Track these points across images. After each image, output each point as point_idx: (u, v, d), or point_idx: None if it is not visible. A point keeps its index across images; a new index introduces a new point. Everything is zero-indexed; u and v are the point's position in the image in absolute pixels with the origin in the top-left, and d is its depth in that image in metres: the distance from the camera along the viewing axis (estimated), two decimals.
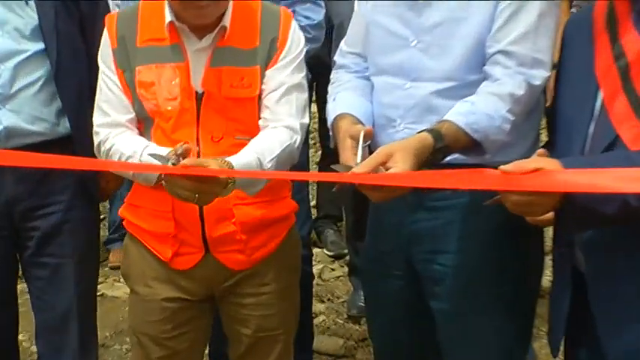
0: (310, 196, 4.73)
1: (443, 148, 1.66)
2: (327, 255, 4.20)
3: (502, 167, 1.40)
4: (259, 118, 1.92)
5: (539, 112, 1.88)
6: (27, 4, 2.04)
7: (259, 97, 1.91)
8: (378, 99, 1.88)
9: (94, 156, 1.91)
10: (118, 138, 1.89)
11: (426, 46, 1.78)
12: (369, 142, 1.67)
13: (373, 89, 1.91)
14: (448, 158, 1.70)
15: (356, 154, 1.63)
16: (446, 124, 1.67)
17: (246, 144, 1.86)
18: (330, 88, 1.98)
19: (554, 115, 1.72)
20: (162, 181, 1.69)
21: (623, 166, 1.35)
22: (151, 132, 1.91)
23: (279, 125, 1.89)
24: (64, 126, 2.13)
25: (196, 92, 1.87)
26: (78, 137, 2.12)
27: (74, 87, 2.14)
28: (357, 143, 1.65)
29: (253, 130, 1.92)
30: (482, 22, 1.72)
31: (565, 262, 1.61)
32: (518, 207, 1.45)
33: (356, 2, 1.98)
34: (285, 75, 1.91)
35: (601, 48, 1.59)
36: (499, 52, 1.72)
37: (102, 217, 3.84)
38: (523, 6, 1.70)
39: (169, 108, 1.87)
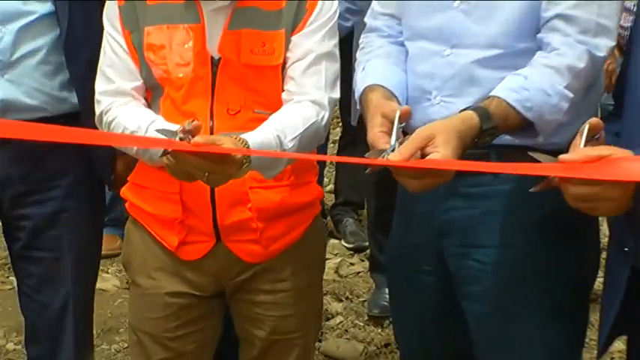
0: (326, 180, 4.83)
1: (490, 129, 1.67)
2: (346, 247, 4.28)
3: (561, 157, 1.40)
4: (282, 91, 1.94)
5: (599, 86, 1.89)
6: None
7: (283, 65, 1.93)
8: (412, 67, 1.90)
9: None
10: (122, 109, 1.93)
11: (470, 7, 1.79)
12: (404, 124, 1.68)
13: (408, 57, 1.93)
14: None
15: (387, 135, 1.65)
16: (494, 101, 1.69)
17: (266, 119, 1.88)
18: (358, 55, 2.00)
19: (621, 96, 1.73)
20: (165, 159, 1.70)
21: None
22: (160, 102, 1.95)
23: (305, 99, 1.92)
24: (70, 102, 2.15)
25: (212, 58, 1.90)
26: (86, 115, 2.11)
27: (85, 58, 2.14)
28: (390, 122, 1.66)
29: (275, 104, 1.93)
30: None
31: (624, 262, 1.62)
32: (580, 201, 1.44)
33: None
34: (313, 41, 1.93)
35: None
36: (557, 16, 1.72)
37: None
38: None
39: (181, 75, 1.90)
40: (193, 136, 1.64)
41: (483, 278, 1.85)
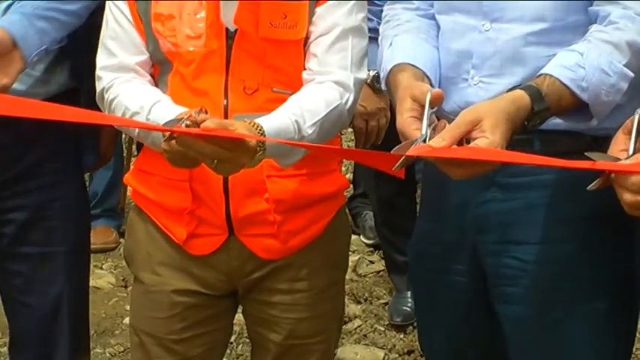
0: (344, 168, 4.86)
1: (542, 111, 1.68)
2: (365, 243, 4.37)
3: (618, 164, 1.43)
4: (304, 68, 1.98)
5: None
6: None
7: (306, 40, 1.96)
8: (446, 44, 1.92)
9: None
10: (124, 87, 1.97)
11: None
12: (435, 109, 1.70)
13: (440, 31, 1.95)
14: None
15: (419, 121, 1.66)
16: (547, 80, 1.70)
17: (286, 99, 1.91)
18: (382, 29, 2.03)
19: None
20: (164, 144, 1.73)
21: None
22: (168, 79, 1.98)
23: (328, 80, 1.94)
24: (57, 82, 2.18)
25: (227, 30, 1.93)
26: (85, 93, 2.15)
27: (81, 32, 2.16)
28: (422, 106, 1.67)
29: (296, 83, 1.97)
30: None
31: None
32: (635, 209, 1.46)
33: None
34: (340, 14, 1.95)
35: None
36: None
37: None
38: None
39: (191, 48, 1.93)
40: (198, 125, 1.68)
41: (523, 278, 1.87)
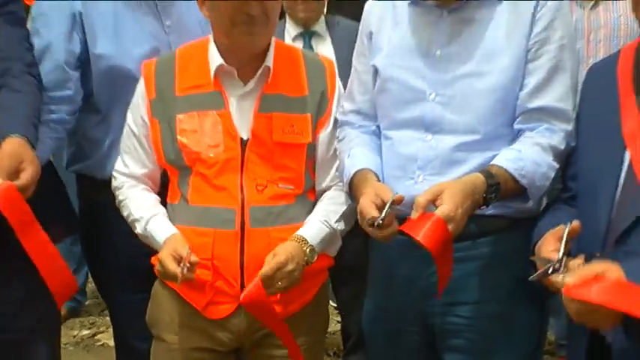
0: None
1: (495, 185, 1.87)
2: (333, 307, 4.29)
3: (567, 281, 1.54)
4: (305, 168, 2.21)
5: None
6: None
7: (307, 146, 2.20)
8: (396, 151, 2.09)
9: None
10: (131, 192, 2.24)
11: (446, 99, 2.01)
12: (396, 208, 1.86)
13: (389, 141, 2.13)
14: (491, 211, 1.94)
15: (376, 208, 1.87)
16: (494, 167, 1.90)
17: (289, 193, 2.17)
18: (339, 145, 2.23)
19: (574, 167, 1.98)
20: (159, 266, 2.08)
21: None
22: (190, 179, 2.17)
23: (337, 187, 2.24)
24: None
25: (241, 138, 2.15)
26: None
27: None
28: (381, 200, 1.88)
29: (298, 180, 2.20)
30: (510, 77, 1.98)
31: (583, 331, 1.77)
32: (580, 316, 1.57)
33: (354, 59, 2.28)
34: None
35: (628, 109, 1.81)
36: (542, 107, 1.98)
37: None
38: (559, 64, 1.98)
39: (212, 155, 2.12)
40: (192, 268, 2.01)
41: (464, 331, 2.06)
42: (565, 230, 1.71)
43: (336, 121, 2.27)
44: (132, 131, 2.25)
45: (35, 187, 2.04)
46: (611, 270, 1.53)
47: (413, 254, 1.94)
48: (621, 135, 1.81)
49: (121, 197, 2.26)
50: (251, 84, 2.16)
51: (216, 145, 2.14)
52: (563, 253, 1.67)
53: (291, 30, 3.41)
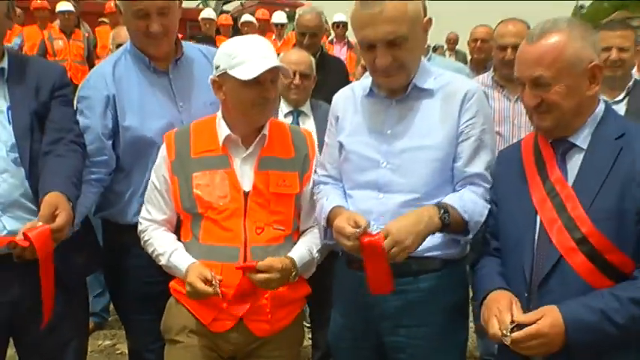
0: None
1: (444, 206, 1.93)
2: (307, 326, 4.33)
3: (515, 335, 1.70)
4: (294, 214, 2.27)
5: None
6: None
7: (296, 196, 2.26)
8: (356, 206, 2.12)
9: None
10: (154, 233, 2.27)
11: (394, 167, 2.07)
12: (362, 229, 1.92)
13: (351, 199, 2.17)
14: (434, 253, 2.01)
15: (349, 225, 1.93)
16: (442, 202, 1.97)
17: (280, 235, 2.21)
18: (317, 196, 2.27)
19: (493, 227, 2.05)
20: (188, 287, 2.10)
21: (615, 307, 1.67)
22: (202, 223, 2.21)
23: (313, 228, 2.31)
24: None
25: (244, 191, 2.19)
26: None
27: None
28: (354, 223, 1.93)
29: (287, 222, 2.24)
30: (444, 151, 2.06)
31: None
32: (529, 350, 1.72)
33: (325, 137, 2.34)
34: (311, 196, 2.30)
35: (534, 184, 1.91)
36: (474, 174, 2.07)
37: None
38: (481, 143, 2.08)
39: (221, 203, 2.17)
40: (218, 285, 2.07)
41: (408, 347, 2.12)
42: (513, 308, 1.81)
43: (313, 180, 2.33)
44: (155, 186, 2.30)
45: (68, 229, 2.08)
46: (550, 316, 1.71)
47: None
48: (532, 203, 1.89)
49: (146, 237, 2.29)
50: (251, 148, 2.22)
51: (225, 196, 2.18)
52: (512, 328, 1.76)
53: (284, 108, 3.52)
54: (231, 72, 2.16)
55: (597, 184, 1.80)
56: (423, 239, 1.92)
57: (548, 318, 1.71)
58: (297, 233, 2.35)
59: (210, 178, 2.19)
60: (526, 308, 1.82)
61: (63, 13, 8.50)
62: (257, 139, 2.22)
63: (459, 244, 2.10)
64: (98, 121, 2.45)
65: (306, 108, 3.53)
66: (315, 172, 2.33)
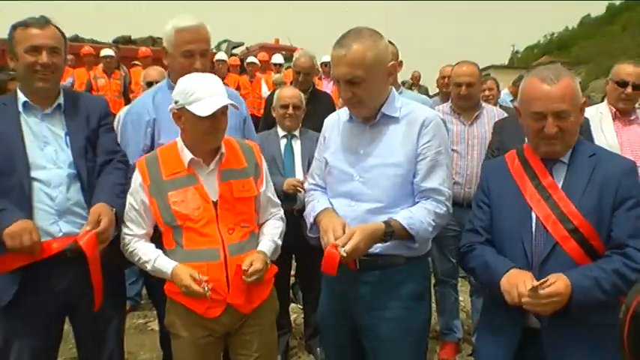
0: None
1: (391, 231, 1.94)
2: (300, 308, 4.29)
3: (541, 293, 1.71)
4: (256, 213, 2.26)
5: None
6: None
7: (255, 197, 2.24)
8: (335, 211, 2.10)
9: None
10: (136, 244, 2.19)
11: (365, 180, 2.06)
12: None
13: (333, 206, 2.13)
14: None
15: (337, 227, 1.94)
16: (393, 221, 1.97)
17: (247, 231, 2.19)
18: (309, 199, 2.25)
19: (485, 222, 2.02)
20: (183, 288, 2.07)
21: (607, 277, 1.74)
22: (183, 232, 2.14)
23: (276, 217, 2.35)
24: None
25: (212, 201, 2.16)
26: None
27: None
28: (341, 228, 1.94)
29: (251, 220, 2.24)
30: (404, 168, 2.04)
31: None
32: (544, 307, 1.75)
33: (316, 152, 2.32)
34: (269, 192, 2.33)
35: (525, 186, 1.93)
36: (429, 189, 2.04)
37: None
38: (436, 162, 2.04)
39: (196, 214, 2.13)
40: (209, 285, 2.03)
41: (376, 326, 2.11)
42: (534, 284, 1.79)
43: (270, 180, 2.36)
44: (133, 207, 2.22)
45: (111, 231, 2.14)
46: (560, 283, 1.74)
47: (346, 277, 2.03)
48: (525, 201, 1.93)
49: (130, 249, 2.20)
50: (212, 165, 2.19)
51: (198, 208, 2.15)
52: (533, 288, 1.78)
53: (280, 132, 3.58)
54: (189, 107, 2.12)
55: (581, 189, 1.89)
56: (369, 247, 1.96)
57: (562, 281, 1.76)
58: (257, 227, 2.34)
59: (184, 194, 2.15)
60: None
61: (105, 57, 8.66)
62: (217, 157, 2.19)
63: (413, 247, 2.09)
64: (140, 141, 2.47)
65: (297, 132, 3.61)
66: (307, 181, 2.33)
